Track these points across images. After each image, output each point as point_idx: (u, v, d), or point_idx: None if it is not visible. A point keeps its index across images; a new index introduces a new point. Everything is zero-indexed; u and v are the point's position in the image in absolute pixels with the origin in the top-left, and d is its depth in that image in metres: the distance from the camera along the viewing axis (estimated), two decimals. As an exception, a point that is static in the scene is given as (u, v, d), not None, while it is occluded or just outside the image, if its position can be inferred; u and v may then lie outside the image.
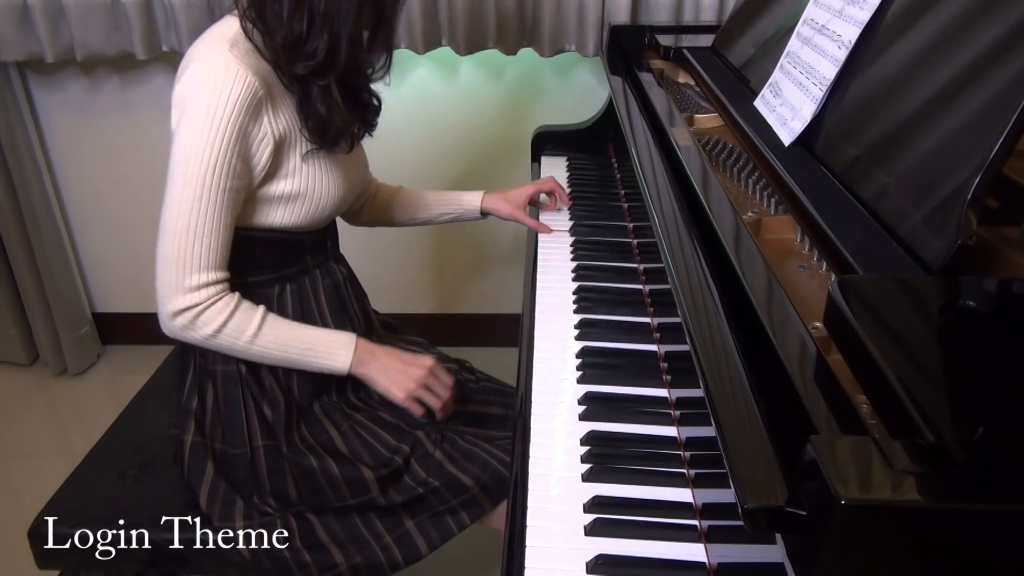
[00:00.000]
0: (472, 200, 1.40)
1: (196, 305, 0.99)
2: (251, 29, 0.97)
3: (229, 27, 0.99)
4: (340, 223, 1.23)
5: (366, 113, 1.15)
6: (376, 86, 1.15)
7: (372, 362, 1.08)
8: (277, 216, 1.05)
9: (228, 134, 0.94)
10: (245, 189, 1.00)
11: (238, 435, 1.09)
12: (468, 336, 2.28)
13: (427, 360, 1.10)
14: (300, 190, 1.04)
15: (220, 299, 1.01)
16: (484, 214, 1.41)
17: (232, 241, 1.01)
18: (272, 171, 1.02)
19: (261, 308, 1.04)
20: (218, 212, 0.97)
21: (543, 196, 1.47)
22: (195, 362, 1.11)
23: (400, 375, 1.08)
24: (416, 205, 1.40)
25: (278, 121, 0.99)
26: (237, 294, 1.03)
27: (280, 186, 1.03)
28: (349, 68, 1.05)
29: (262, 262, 1.08)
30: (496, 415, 1.23)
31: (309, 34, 0.95)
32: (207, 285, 0.99)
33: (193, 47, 0.99)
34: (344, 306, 1.16)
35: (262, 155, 0.99)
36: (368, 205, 1.37)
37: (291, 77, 0.99)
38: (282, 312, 1.10)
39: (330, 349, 1.06)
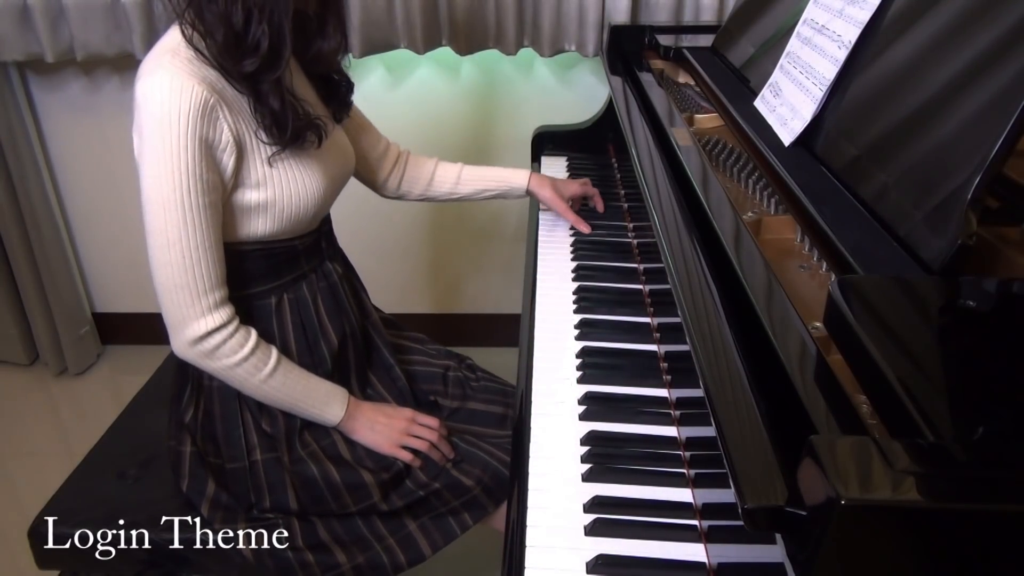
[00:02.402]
0: (519, 179, 1.38)
1: (221, 327, 0.98)
2: (191, 34, 0.93)
3: (171, 38, 0.95)
4: (336, 219, 1.21)
5: (338, 93, 1.14)
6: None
7: (359, 417, 1.11)
8: (260, 227, 1.02)
9: (190, 151, 0.91)
10: (222, 199, 0.98)
11: (236, 449, 1.09)
12: (468, 336, 2.28)
13: (407, 411, 1.14)
14: (275, 197, 1.01)
15: (239, 329, 1.00)
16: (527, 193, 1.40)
17: (224, 254, 1.00)
18: (239, 181, 0.98)
19: (275, 350, 1.04)
20: (207, 229, 0.95)
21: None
22: (193, 375, 1.11)
23: (385, 427, 1.11)
24: (456, 180, 1.36)
25: (237, 125, 0.95)
26: (253, 330, 1.03)
27: (253, 196, 1.00)
28: (311, 58, 1.05)
29: (258, 274, 1.06)
30: (497, 414, 1.23)
31: (248, 26, 0.91)
32: (223, 302, 0.99)
33: (140, 66, 0.95)
34: (339, 305, 1.16)
35: (228, 162, 0.96)
36: (396, 175, 1.34)
37: (240, 78, 0.94)
38: (281, 322, 1.09)
39: (326, 400, 1.09)
